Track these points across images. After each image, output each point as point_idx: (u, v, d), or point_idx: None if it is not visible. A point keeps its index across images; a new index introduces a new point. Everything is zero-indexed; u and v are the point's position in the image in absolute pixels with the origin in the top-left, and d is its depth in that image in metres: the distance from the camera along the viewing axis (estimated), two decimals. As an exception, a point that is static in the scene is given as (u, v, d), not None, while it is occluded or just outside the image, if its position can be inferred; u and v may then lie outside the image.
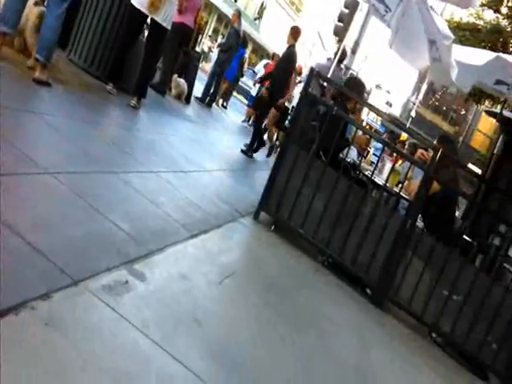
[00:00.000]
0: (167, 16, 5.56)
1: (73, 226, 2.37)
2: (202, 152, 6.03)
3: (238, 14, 10.87)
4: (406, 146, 7.66)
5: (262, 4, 43.00)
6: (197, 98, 10.34)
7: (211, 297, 2.57)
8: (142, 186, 3.44)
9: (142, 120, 5.70)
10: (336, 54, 8.92)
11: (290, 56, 7.99)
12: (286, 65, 8.02)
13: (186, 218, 3.35)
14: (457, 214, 4.85)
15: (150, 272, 2.35)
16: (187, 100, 9.26)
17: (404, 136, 7.82)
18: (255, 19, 43.02)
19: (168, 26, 5.67)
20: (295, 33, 7.99)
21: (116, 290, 2.00)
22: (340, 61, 8.91)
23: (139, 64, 5.82)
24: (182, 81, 8.83)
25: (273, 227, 4.24)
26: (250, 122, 12.73)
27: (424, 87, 12.68)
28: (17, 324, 1.51)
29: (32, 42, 4.38)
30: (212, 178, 5.02)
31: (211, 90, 10.74)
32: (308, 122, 4.52)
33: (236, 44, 10.78)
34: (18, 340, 1.48)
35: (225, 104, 13.39)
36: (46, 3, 4.48)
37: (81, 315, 1.75)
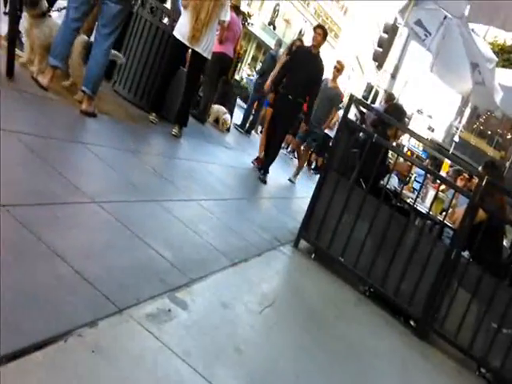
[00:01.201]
0: (207, 46, 5.71)
1: (117, 254, 2.43)
2: (240, 179, 6.09)
3: (279, 44, 11.07)
4: (450, 173, 7.51)
5: (301, 31, 43.59)
6: (236, 125, 10.48)
7: (252, 326, 2.56)
8: (184, 214, 3.50)
9: (183, 148, 5.81)
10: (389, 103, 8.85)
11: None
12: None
13: (226, 246, 3.37)
14: (504, 242, 4.68)
15: (192, 300, 2.37)
16: (227, 128, 9.40)
17: (447, 162, 7.68)
18: (293, 46, 43.55)
19: (208, 56, 5.81)
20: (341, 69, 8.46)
21: (159, 319, 2.02)
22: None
23: (180, 93, 5.97)
24: (218, 106, 8.95)
25: (313, 255, 4.21)
26: (289, 149, 12.77)
27: (467, 111, 12.47)
28: (66, 351, 1.55)
29: (77, 72, 4.56)
30: (251, 206, 5.04)
31: (250, 117, 10.87)
32: (348, 149, 4.51)
33: (272, 68, 10.94)
34: (66, 366, 1.51)
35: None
36: (93, 37, 4.68)
37: (126, 343, 1.77)
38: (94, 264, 2.16)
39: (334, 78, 8.79)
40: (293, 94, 6.48)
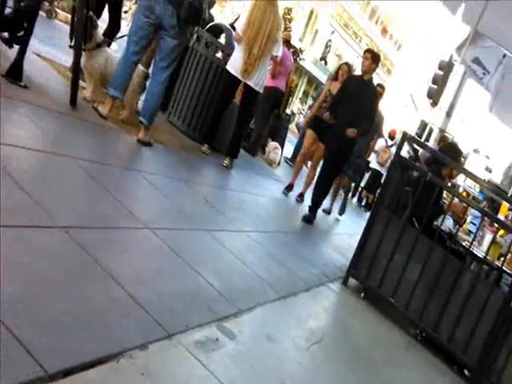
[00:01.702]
0: (260, 81, 5.81)
1: (168, 280, 2.45)
2: (289, 212, 6.07)
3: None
4: (510, 217, 7.21)
5: (352, 66, 43.81)
6: (286, 158, 10.53)
7: (298, 361, 2.50)
8: (233, 244, 3.50)
9: (233, 179, 5.88)
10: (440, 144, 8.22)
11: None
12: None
13: (274, 278, 3.34)
14: None
15: (239, 331, 2.34)
16: (278, 161, 9.45)
17: (506, 205, 7.41)
18: (345, 82, 43.71)
19: (260, 90, 5.91)
20: (383, 92, 7.80)
21: (207, 347, 2.01)
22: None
23: (232, 125, 6.08)
24: (278, 148, 9.00)
25: (362, 294, 4.10)
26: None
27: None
28: (117, 371, 1.56)
29: (131, 100, 4.72)
30: (300, 239, 5.00)
31: (301, 151, 10.89)
32: (401, 187, 4.43)
33: None
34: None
35: None
36: (150, 70, 4.85)
37: (174, 368, 1.77)
38: (146, 288, 2.19)
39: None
40: (346, 127, 5.91)
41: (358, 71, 6.82)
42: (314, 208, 6.05)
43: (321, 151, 6.71)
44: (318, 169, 6.63)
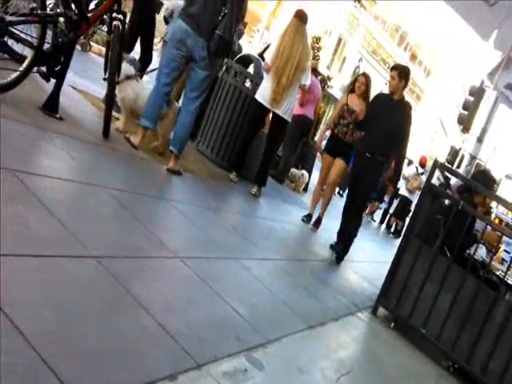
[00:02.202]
0: (288, 109, 5.88)
1: (197, 309, 2.46)
2: (317, 241, 6.04)
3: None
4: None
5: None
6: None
7: (328, 395, 2.46)
8: (261, 273, 3.51)
9: (261, 207, 5.90)
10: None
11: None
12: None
13: (302, 307, 3.32)
14: None
15: (268, 362, 2.33)
16: (305, 189, 9.46)
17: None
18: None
19: (288, 118, 5.97)
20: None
21: (236, 378, 2.01)
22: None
23: (260, 154, 6.14)
24: (304, 175, 9.04)
25: (392, 324, 4.03)
26: (367, 211, 12.54)
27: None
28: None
29: (165, 132, 4.84)
30: (328, 268, 4.96)
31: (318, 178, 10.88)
32: (431, 215, 4.37)
33: None
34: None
35: (341, 192, 13.46)
36: (181, 102, 4.97)
37: (203, 401, 1.77)
38: (175, 317, 2.21)
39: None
40: (372, 152, 5.35)
41: (384, 89, 6.27)
42: (344, 249, 5.51)
43: (339, 168, 6.25)
44: (336, 189, 6.38)
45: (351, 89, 6.44)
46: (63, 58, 3.95)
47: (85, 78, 5.93)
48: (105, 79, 4.37)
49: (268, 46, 6.61)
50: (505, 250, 6.59)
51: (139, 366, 1.74)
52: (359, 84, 6.25)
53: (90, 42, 9.98)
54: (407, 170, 12.17)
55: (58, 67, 3.95)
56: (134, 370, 1.71)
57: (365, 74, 6.59)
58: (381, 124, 5.34)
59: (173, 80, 4.58)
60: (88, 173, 3.43)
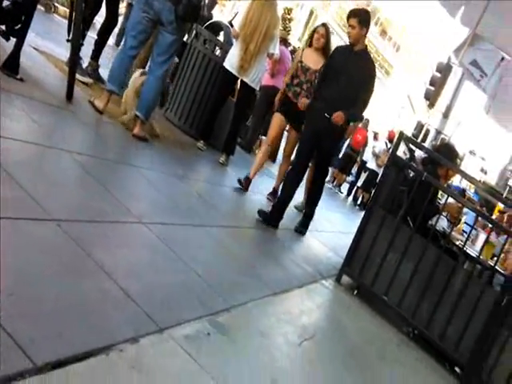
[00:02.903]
0: (256, 77, 5.80)
1: (160, 275, 2.45)
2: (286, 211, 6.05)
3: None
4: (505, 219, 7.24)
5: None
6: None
7: (290, 358, 2.50)
8: (226, 240, 3.51)
9: (229, 176, 5.87)
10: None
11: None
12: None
13: (267, 275, 3.34)
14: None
15: (231, 326, 2.35)
16: (273, 159, 9.46)
17: (500, 206, 7.42)
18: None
19: (256, 86, 5.90)
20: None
21: (198, 341, 2.02)
22: None
23: (228, 123, 6.07)
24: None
25: (355, 292, 4.11)
26: (334, 183, 12.68)
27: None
28: (107, 364, 1.56)
29: (130, 102, 4.70)
30: (294, 237, 5.00)
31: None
32: (396, 187, 4.44)
33: None
34: (106, 380, 1.52)
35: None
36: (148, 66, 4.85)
37: (164, 362, 1.77)
38: (137, 282, 2.19)
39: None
40: (331, 113, 4.59)
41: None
42: (306, 216, 5.26)
43: (294, 141, 5.61)
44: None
45: (308, 42, 5.58)
46: (24, 16, 3.78)
47: (48, 40, 5.71)
48: (68, 41, 4.21)
49: (237, 14, 6.49)
50: (466, 223, 6.78)
51: (99, 329, 1.72)
52: (318, 36, 5.38)
53: (55, 4, 9.60)
54: (377, 146, 12.31)
55: (19, 26, 3.78)
56: (95, 333, 1.69)
57: (324, 25, 5.64)
58: (341, 79, 4.63)
59: (139, 43, 4.46)
60: (50, 136, 3.32)
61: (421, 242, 3.89)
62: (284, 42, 8.36)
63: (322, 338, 3.03)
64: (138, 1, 4.37)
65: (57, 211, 2.31)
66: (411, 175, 4.58)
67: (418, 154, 5.81)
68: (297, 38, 33.89)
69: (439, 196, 5.41)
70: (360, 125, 12.94)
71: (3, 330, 1.45)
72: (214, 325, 2.23)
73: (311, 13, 39.54)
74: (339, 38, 42.71)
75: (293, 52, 10.64)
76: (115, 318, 1.84)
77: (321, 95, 4.78)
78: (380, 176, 5.30)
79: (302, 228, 5.21)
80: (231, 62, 5.69)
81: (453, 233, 4.50)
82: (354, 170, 13.15)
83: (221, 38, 6.80)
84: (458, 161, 5.88)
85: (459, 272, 3.86)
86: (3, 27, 3.80)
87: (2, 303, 1.54)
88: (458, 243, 4.52)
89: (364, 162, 12.57)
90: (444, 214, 4.75)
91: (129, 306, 1.95)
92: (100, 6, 5.29)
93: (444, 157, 4.33)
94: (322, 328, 3.28)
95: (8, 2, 3.73)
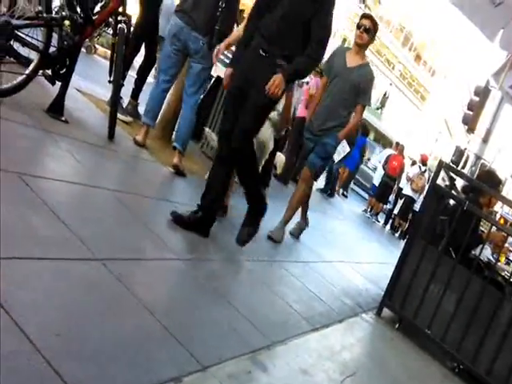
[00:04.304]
0: None
1: (200, 311, 2.47)
2: (321, 241, 6.02)
3: None
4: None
5: (385, 94, 43.64)
6: (319, 190, 10.54)
7: (332, 396, 2.46)
8: (265, 275, 3.51)
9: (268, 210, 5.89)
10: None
11: None
12: None
13: (307, 310, 3.32)
14: None
15: (272, 364, 2.34)
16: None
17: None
18: (377, 108, 43.64)
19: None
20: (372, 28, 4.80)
21: (240, 380, 2.02)
22: None
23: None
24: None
25: (397, 325, 4.02)
26: (371, 212, 12.55)
27: None
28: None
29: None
30: (332, 269, 4.95)
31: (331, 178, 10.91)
32: (436, 216, 4.36)
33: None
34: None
35: (345, 193, 13.44)
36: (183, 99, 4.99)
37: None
38: (179, 319, 2.22)
39: (359, 48, 4.89)
40: (266, 49, 3.32)
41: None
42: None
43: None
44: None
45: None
46: (68, 60, 3.97)
47: (90, 81, 5.95)
48: (110, 82, 4.39)
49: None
50: (511, 251, 6.57)
51: (144, 369, 1.74)
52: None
53: (96, 45, 10.03)
54: (411, 171, 12.15)
55: (64, 70, 3.97)
56: (139, 373, 1.71)
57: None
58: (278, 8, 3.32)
59: (171, 77, 4.65)
60: (93, 175, 3.44)
61: (464, 273, 3.79)
62: (320, 74, 8.45)
63: (364, 375, 2.97)
64: (168, 35, 4.56)
65: (101, 250, 2.38)
66: (452, 204, 4.50)
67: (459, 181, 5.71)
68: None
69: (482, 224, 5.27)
70: (396, 151, 12.85)
71: (52, 369, 1.49)
72: (255, 363, 2.23)
73: (344, 40, 39.86)
74: (372, 64, 42.92)
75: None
76: (159, 358, 1.87)
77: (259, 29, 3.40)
78: (420, 205, 5.22)
79: (241, 236, 3.59)
80: None
81: (498, 263, 4.37)
82: (392, 197, 12.98)
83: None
84: (501, 186, 5.74)
85: (506, 304, 3.73)
86: (49, 72, 3.99)
87: (50, 343, 1.59)
88: (503, 274, 4.37)
89: (400, 189, 12.41)
90: (487, 242, 4.63)
91: (171, 344, 1.98)
92: (140, 47, 5.52)
93: (486, 184, 4.24)
94: (364, 364, 3.21)
95: (54, 48, 3.93)
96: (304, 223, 5.33)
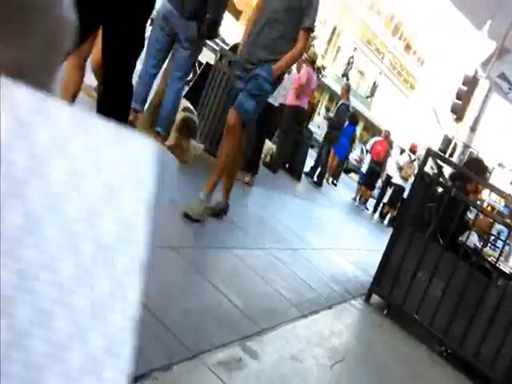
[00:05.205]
0: (275, 93, 5.84)
1: (189, 299, 2.47)
2: (310, 229, 6.06)
3: (347, 88, 11.06)
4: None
5: (375, 83, 43.71)
6: (305, 173, 10.55)
7: (322, 381, 2.49)
8: (254, 262, 3.52)
9: (254, 196, 5.92)
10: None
11: None
12: None
13: (296, 296, 3.33)
14: None
15: (262, 350, 2.35)
16: (298, 177, 9.49)
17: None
18: (367, 97, 43.73)
19: (275, 102, 5.92)
20: None
21: (230, 366, 2.03)
22: None
23: (251, 142, 6.11)
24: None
25: (385, 311, 4.06)
26: (360, 200, 12.63)
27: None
28: (141, 393, 1.58)
29: (175, 140, 4.85)
30: (321, 256, 4.98)
31: (319, 167, 10.93)
32: (424, 203, 4.39)
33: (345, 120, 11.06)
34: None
35: (334, 181, 13.50)
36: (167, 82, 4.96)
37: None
38: (169, 308, 2.22)
39: None
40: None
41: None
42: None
43: None
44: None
45: None
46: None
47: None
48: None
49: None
50: (499, 238, 6.64)
51: (135, 356, 1.74)
52: None
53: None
54: (401, 159, 12.23)
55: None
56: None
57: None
58: None
59: (159, 61, 4.60)
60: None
61: (451, 259, 3.83)
62: (312, 64, 8.44)
63: (353, 360, 3.00)
64: (157, 18, 4.50)
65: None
66: (439, 191, 4.54)
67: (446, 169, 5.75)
68: (320, 55, 34.07)
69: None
70: (381, 137, 12.96)
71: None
72: (245, 349, 2.24)
73: (334, 29, 39.77)
74: (362, 53, 42.81)
75: (316, 71, 10.71)
76: (149, 346, 1.86)
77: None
78: (408, 192, 5.26)
79: None
80: None
81: (485, 249, 4.43)
82: (379, 184, 13.09)
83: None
84: (488, 174, 5.80)
85: (492, 288, 3.79)
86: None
87: None
88: (490, 259, 4.43)
89: (389, 178, 12.50)
90: (474, 229, 4.68)
91: (161, 333, 1.98)
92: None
93: (473, 172, 4.28)
94: (353, 349, 3.24)
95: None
96: (224, 203, 4.07)
